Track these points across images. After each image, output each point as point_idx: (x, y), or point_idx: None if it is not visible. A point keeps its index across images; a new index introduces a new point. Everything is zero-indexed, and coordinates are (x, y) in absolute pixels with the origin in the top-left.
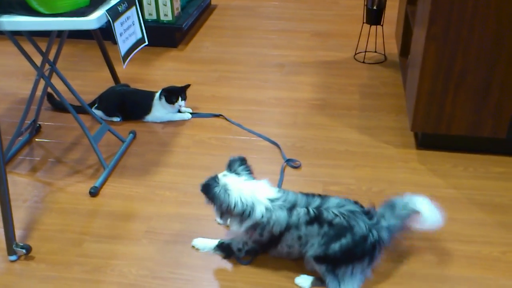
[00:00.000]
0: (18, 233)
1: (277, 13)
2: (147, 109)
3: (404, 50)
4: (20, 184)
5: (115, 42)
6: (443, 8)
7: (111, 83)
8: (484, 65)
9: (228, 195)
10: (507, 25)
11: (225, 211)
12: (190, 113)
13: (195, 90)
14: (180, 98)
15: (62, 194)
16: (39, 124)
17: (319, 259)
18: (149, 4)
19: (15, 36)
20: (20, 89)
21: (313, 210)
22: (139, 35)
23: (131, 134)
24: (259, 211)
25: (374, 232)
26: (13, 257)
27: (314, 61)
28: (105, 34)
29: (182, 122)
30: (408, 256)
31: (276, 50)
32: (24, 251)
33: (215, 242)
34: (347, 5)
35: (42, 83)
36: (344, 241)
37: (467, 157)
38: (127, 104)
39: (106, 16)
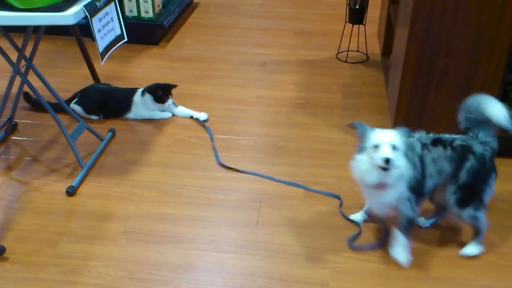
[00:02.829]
0: None
1: (259, 11)
2: (128, 107)
3: (386, 49)
4: None
5: (94, 39)
6: (425, 6)
7: (89, 80)
8: (465, 64)
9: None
10: (488, 23)
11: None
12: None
13: (176, 88)
14: (170, 96)
15: (38, 194)
16: (15, 122)
17: (460, 202)
18: (130, 1)
19: None
20: None
21: (433, 136)
22: (118, 32)
23: (110, 133)
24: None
25: (487, 148)
26: None
27: (296, 60)
28: (85, 30)
29: (162, 120)
30: (389, 257)
31: (258, 48)
32: None
33: (400, 236)
34: (330, 4)
35: (18, 80)
36: (468, 164)
37: None
38: (109, 103)
39: (84, 11)
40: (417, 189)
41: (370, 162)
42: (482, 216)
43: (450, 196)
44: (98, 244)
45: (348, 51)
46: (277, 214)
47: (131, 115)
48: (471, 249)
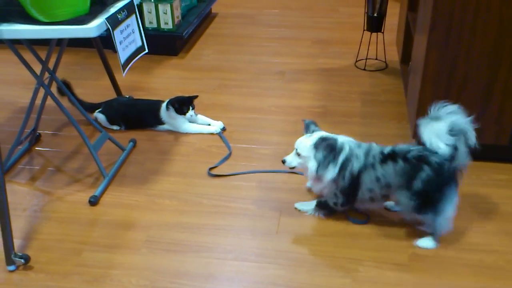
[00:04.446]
0: (16, 242)
1: (277, 21)
2: (159, 120)
3: (405, 57)
4: (19, 193)
5: (115, 51)
6: (444, 13)
7: (111, 91)
8: (486, 71)
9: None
10: (509, 30)
11: (329, 159)
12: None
13: (196, 98)
14: (191, 108)
15: (62, 203)
16: (38, 133)
17: (417, 209)
18: (150, 13)
19: (14, 44)
20: (19, 98)
21: (386, 151)
22: (139, 43)
23: (131, 143)
24: (347, 147)
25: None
26: (12, 267)
27: (315, 69)
28: (106, 42)
29: None
30: (411, 265)
31: (276, 57)
32: (22, 261)
33: (313, 202)
34: (347, 12)
35: (42, 92)
36: (423, 174)
37: (469, 164)
38: (134, 115)
39: (106, 24)
40: (347, 194)
41: None
42: (443, 220)
43: (404, 200)
44: (120, 253)
45: (366, 59)
46: (297, 222)
47: (165, 126)
48: (426, 242)
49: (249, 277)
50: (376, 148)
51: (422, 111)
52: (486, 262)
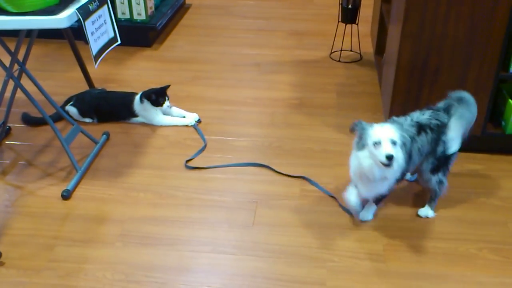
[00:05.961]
0: None
1: (252, 12)
2: (132, 113)
3: (380, 48)
4: None
5: (87, 42)
6: (418, 5)
7: (83, 83)
8: (458, 62)
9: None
10: (481, 22)
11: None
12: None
13: (169, 90)
14: (166, 98)
15: (33, 198)
16: (9, 126)
17: (433, 170)
18: (122, 3)
19: None
20: None
21: (413, 123)
22: (111, 34)
23: (104, 136)
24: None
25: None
26: None
27: (291, 60)
28: (77, 33)
29: None
30: (385, 255)
31: (252, 49)
32: None
33: (371, 206)
34: (323, 4)
35: (11, 84)
36: (444, 137)
37: None
38: (106, 108)
39: (77, 14)
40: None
41: (372, 158)
42: (446, 180)
43: (427, 166)
44: (94, 247)
45: (341, 50)
46: (273, 214)
47: (138, 119)
48: (426, 211)
49: (226, 269)
50: (402, 120)
51: (396, 102)
52: (459, 251)
